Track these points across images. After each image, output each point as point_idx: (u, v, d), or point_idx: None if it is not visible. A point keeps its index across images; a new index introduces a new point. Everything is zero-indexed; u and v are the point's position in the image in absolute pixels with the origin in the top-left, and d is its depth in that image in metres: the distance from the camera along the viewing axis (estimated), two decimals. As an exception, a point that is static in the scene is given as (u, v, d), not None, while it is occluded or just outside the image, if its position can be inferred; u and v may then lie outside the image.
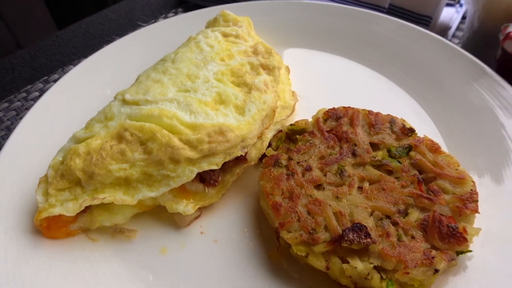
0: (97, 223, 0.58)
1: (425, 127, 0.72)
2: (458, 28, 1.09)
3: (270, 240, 0.56)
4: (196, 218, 0.60)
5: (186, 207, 0.58)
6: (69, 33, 1.11)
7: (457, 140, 0.69)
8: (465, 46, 1.00)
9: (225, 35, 0.82)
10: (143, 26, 1.17)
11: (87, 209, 0.57)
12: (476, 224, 0.53)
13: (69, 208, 0.54)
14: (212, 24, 0.88)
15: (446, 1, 0.97)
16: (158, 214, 0.60)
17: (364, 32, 0.91)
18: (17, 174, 0.63)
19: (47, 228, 0.56)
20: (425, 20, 0.95)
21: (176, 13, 1.24)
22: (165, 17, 1.22)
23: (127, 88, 0.68)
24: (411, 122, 0.67)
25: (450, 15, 1.02)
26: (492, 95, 0.72)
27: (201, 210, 0.61)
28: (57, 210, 0.54)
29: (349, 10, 0.95)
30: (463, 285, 0.50)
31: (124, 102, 0.64)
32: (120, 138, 0.58)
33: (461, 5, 1.08)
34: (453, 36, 1.08)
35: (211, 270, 0.55)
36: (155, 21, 1.19)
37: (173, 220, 0.60)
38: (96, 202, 0.55)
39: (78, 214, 0.56)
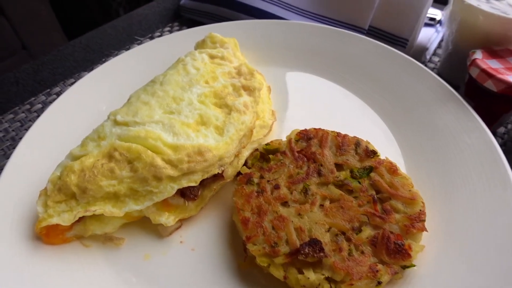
0: (90, 232, 0.66)
1: (389, 147, 0.78)
2: (439, 46, 1.14)
3: (240, 250, 0.64)
4: (177, 228, 0.68)
5: (168, 219, 0.65)
6: (70, 48, 1.18)
7: (417, 161, 0.75)
8: (442, 66, 1.06)
9: (211, 57, 0.89)
10: (140, 40, 1.24)
11: (81, 219, 0.65)
12: (424, 240, 0.60)
13: (65, 218, 0.62)
14: (200, 45, 0.95)
15: (423, 24, 1.02)
16: (143, 224, 0.68)
17: (343, 52, 0.97)
18: (20, 187, 0.70)
19: (46, 235, 0.64)
20: (402, 42, 1.00)
21: (171, 27, 1.31)
22: (161, 31, 1.29)
23: (119, 109, 0.76)
24: (376, 142, 0.73)
25: (428, 36, 1.07)
26: (456, 118, 0.78)
27: (182, 222, 0.68)
28: (54, 220, 0.62)
29: (331, 31, 1.01)
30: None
31: (116, 122, 0.71)
32: (110, 157, 0.65)
33: (441, 25, 1.13)
34: (434, 54, 1.13)
35: (188, 276, 0.62)
36: (151, 36, 1.27)
37: (156, 230, 0.67)
38: (88, 213, 0.62)
39: (73, 223, 0.64)
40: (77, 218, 0.63)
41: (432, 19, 1.11)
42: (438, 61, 1.12)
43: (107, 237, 0.67)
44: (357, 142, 0.72)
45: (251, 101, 0.81)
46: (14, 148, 0.93)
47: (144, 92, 0.79)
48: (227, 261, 0.63)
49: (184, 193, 0.68)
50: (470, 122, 0.76)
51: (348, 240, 0.58)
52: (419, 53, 1.05)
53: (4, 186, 0.69)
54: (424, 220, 0.59)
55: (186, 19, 1.32)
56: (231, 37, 0.97)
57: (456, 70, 0.99)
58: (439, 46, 1.15)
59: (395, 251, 0.56)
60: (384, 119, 0.85)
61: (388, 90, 0.89)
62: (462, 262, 0.58)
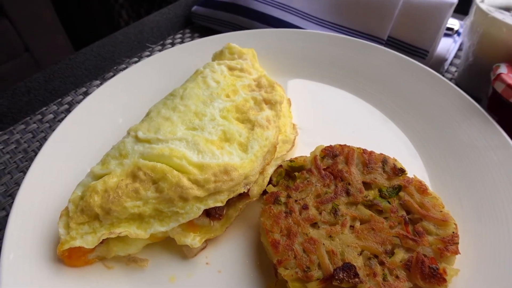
0: (113, 253, 0.64)
1: (413, 163, 0.77)
2: (456, 56, 1.13)
3: (268, 272, 0.62)
4: (202, 249, 0.66)
5: (193, 240, 0.64)
6: (81, 56, 1.16)
7: (443, 178, 0.73)
8: (460, 77, 1.05)
9: (230, 69, 0.87)
10: (152, 47, 1.22)
11: (104, 240, 0.63)
12: (456, 263, 0.59)
13: (88, 241, 0.60)
14: (218, 56, 0.93)
15: (443, 35, 1.01)
16: (168, 245, 0.66)
17: (363, 63, 0.96)
18: (39, 205, 0.68)
19: (68, 257, 0.62)
20: (421, 53, 0.99)
21: (183, 34, 1.29)
22: (173, 38, 1.27)
23: (139, 124, 0.74)
24: (401, 158, 0.72)
25: (447, 46, 1.06)
26: (481, 134, 0.77)
27: (207, 242, 0.67)
28: (77, 243, 0.60)
29: (350, 41, 0.99)
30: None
31: (137, 139, 0.69)
32: (134, 177, 0.63)
33: (459, 34, 1.12)
34: (451, 64, 1.12)
35: (215, 299, 0.61)
36: (162, 43, 1.25)
37: (181, 250, 0.66)
38: (112, 236, 0.61)
39: (95, 244, 0.62)
40: (100, 240, 0.61)
41: (450, 28, 1.10)
42: (455, 71, 1.11)
43: (131, 259, 0.65)
44: (384, 160, 0.70)
45: (273, 115, 0.79)
46: (27, 160, 0.92)
47: (164, 106, 0.77)
48: (255, 284, 0.61)
49: (209, 213, 0.67)
50: (496, 138, 0.75)
51: (382, 263, 0.57)
52: (438, 64, 1.03)
53: (22, 205, 0.67)
54: (457, 243, 0.58)
55: (198, 26, 1.30)
56: (249, 47, 0.95)
57: (475, 81, 0.98)
58: (456, 55, 1.13)
59: (430, 276, 0.54)
60: (406, 133, 0.84)
61: (410, 103, 0.87)
62: (496, 285, 0.57)
